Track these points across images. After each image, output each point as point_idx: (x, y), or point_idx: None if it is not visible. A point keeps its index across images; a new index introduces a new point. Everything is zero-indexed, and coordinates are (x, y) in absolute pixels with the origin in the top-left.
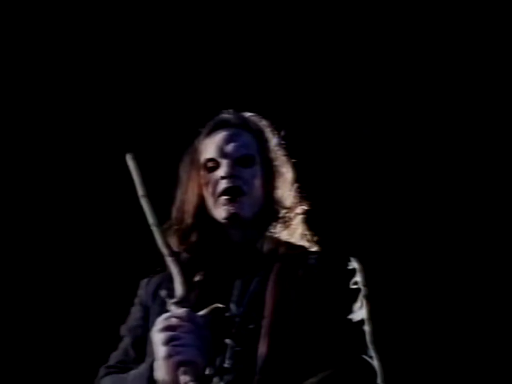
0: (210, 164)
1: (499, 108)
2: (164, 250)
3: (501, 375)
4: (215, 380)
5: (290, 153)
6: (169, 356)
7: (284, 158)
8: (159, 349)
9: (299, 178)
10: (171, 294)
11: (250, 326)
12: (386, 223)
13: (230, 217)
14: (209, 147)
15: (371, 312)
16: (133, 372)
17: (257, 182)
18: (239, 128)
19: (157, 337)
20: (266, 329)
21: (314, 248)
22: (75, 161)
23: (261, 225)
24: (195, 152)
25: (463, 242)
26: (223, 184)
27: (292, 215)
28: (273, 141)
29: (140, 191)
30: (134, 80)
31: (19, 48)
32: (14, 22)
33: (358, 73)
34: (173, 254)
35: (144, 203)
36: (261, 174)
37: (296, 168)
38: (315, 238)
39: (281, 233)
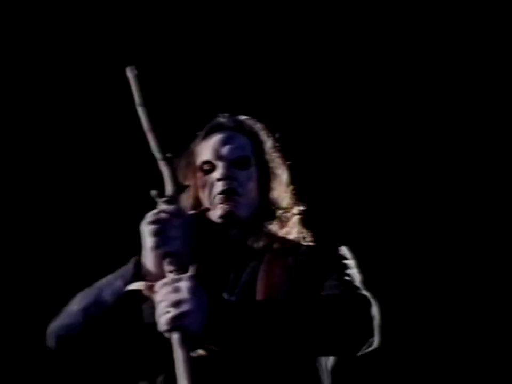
0: (206, 167)
1: None
2: (157, 154)
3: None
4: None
5: (285, 155)
6: (156, 247)
7: (279, 160)
8: (147, 240)
9: (294, 180)
10: (161, 194)
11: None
12: (387, 224)
13: (226, 215)
14: (205, 150)
15: None
16: (110, 275)
17: (253, 184)
18: (234, 131)
19: (146, 228)
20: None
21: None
22: None
23: (257, 225)
24: (191, 155)
25: (460, 239)
26: (219, 186)
27: (288, 215)
28: (268, 143)
29: (138, 100)
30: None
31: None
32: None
33: (353, 77)
34: (166, 157)
35: (141, 112)
36: (256, 176)
37: (291, 169)
38: (312, 238)
39: (278, 231)
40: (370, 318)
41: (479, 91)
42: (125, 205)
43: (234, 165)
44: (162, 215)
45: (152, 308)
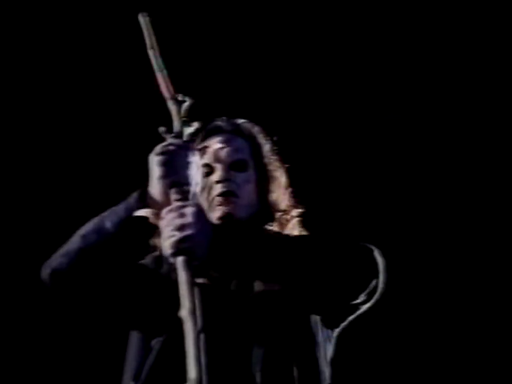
0: (204, 170)
1: None
2: (166, 94)
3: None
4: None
5: (283, 158)
6: (164, 176)
7: (277, 163)
8: (155, 170)
9: (293, 182)
10: (169, 131)
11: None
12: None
13: (225, 216)
14: (203, 153)
15: None
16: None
17: (251, 186)
18: (232, 134)
19: (155, 159)
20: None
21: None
22: None
23: (256, 227)
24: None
25: (460, 243)
26: (217, 189)
27: (287, 217)
28: (266, 146)
29: (149, 43)
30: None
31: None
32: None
33: (350, 80)
34: (173, 97)
35: (151, 55)
36: (254, 178)
37: (289, 172)
38: None
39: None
40: (372, 260)
41: (479, 90)
42: (135, 141)
43: (232, 167)
44: (170, 147)
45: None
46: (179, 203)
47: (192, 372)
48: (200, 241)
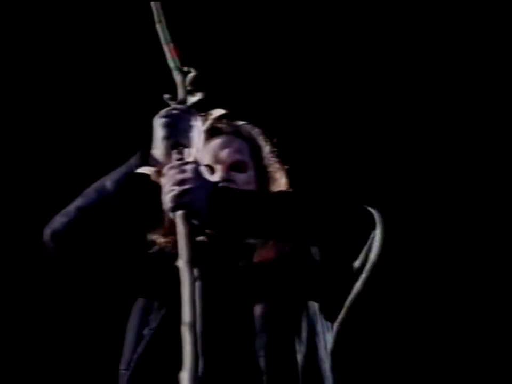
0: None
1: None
2: (171, 65)
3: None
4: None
5: (283, 159)
6: (167, 137)
7: (277, 165)
8: (159, 130)
9: (293, 184)
10: (174, 98)
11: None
12: None
13: None
14: (204, 154)
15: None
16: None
17: (251, 187)
18: (232, 136)
19: (159, 121)
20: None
21: None
22: None
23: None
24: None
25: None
26: None
27: None
28: (266, 148)
29: (157, 18)
30: None
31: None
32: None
33: (349, 82)
34: (179, 68)
35: (159, 28)
36: (255, 180)
37: (289, 174)
38: None
39: None
40: (368, 214)
41: (478, 90)
42: (142, 108)
43: (232, 168)
44: (174, 111)
45: None
46: (180, 161)
47: (186, 315)
48: (199, 196)
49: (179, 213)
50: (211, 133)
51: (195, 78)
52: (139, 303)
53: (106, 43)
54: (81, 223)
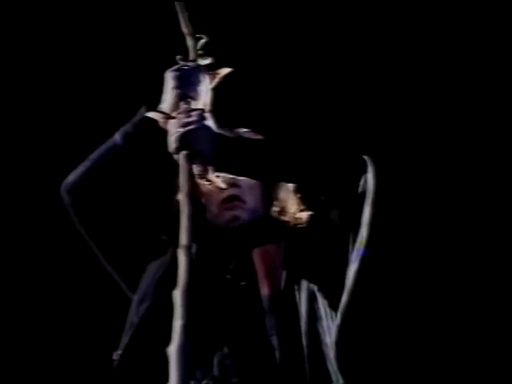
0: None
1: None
2: (185, 30)
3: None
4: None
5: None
6: (176, 87)
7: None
8: (169, 82)
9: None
10: (185, 59)
11: (242, 283)
12: None
13: (232, 220)
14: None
15: None
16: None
17: (257, 191)
18: None
19: (170, 74)
20: (262, 273)
21: None
22: None
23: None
24: None
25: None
26: (223, 193)
27: (295, 222)
28: None
29: None
30: None
31: None
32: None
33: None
34: (192, 34)
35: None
36: (260, 183)
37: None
38: None
39: None
40: (361, 157)
41: (478, 89)
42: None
43: None
44: (185, 66)
45: None
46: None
47: (183, 239)
48: (202, 137)
49: (182, 153)
50: None
51: (206, 44)
52: (138, 295)
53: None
54: (93, 175)
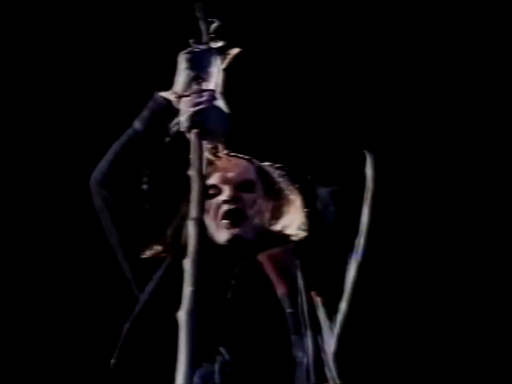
0: (211, 191)
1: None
2: (199, 15)
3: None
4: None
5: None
6: (189, 68)
7: (287, 183)
8: (182, 63)
9: (308, 203)
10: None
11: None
12: None
13: (233, 239)
14: (210, 174)
15: None
16: None
17: (260, 207)
18: (238, 157)
19: (183, 56)
20: (275, 275)
21: None
22: None
23: (265, 247)
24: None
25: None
26: (225, 207)
27: (296, 237)
28: (272, 168)
29: None
30: None
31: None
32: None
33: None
34: (205, 18)
35: None
36: (263, 199)
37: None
38: None
39: None
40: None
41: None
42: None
43: (240, 188)
44: (197, 49)
45: None
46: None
47: (193, 212)
48: (213, 116)
49: (194, 131)
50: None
51: (218, 28)
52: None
53: None
54: (121, 164)
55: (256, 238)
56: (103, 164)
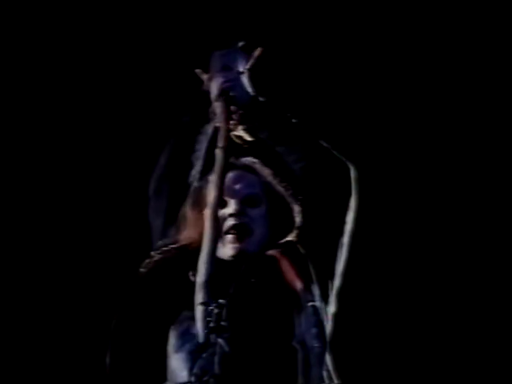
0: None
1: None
2: None
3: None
4: (212, 337)
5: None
6: (219, 60)
7: (292, 201)
8: (214, 59)
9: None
10: None
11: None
12: None
13: (237, 254)
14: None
15: None
16: None
17: (264, 222)
18: (244, 171)
19: (215, 54)
20: (292, 272)
21: None
22: None
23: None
24: (199, 193)
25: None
26: (230, 221)
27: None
28: (277, 183)
29: None
30: None
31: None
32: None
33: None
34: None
35: None
36: (267, 214)
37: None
38: None
39: None
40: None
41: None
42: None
43: (245, 202)
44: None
45: None
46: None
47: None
48: (239, 85)
49: (221, 98)
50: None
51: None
52: None
53: None
54: (178, 154)
55: (259, 252)
56: (163, 162)
